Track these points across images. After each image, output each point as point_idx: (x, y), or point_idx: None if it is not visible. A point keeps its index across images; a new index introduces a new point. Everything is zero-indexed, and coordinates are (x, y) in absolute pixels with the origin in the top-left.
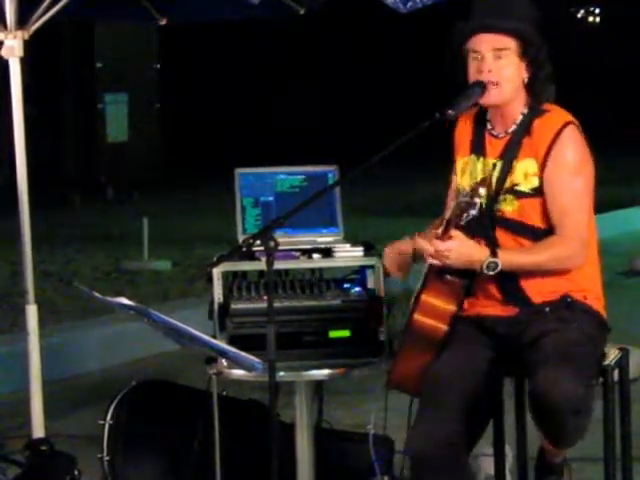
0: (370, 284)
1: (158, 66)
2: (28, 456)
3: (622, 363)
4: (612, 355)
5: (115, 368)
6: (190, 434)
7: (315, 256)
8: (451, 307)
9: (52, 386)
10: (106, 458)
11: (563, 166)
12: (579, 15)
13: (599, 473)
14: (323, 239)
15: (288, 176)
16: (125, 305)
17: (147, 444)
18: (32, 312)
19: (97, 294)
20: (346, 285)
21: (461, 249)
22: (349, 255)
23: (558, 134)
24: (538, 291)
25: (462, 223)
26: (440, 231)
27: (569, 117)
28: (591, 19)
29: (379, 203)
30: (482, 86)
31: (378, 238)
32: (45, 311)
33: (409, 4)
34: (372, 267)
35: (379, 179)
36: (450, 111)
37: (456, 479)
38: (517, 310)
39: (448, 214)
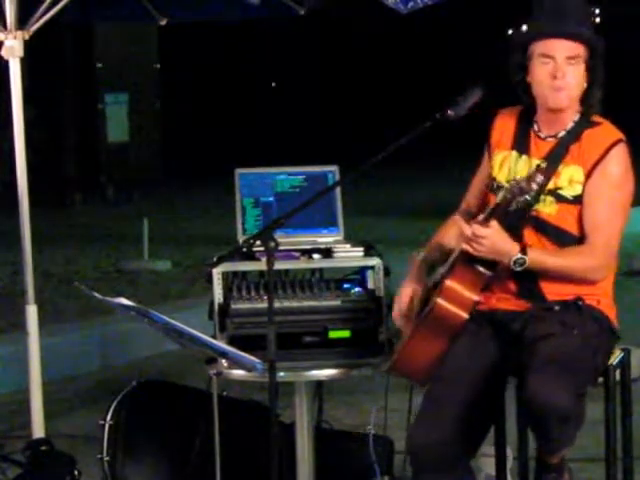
0: (370, 284)
1: (158, 66)
2: (28, 456)
3: (623, 363)
4: (613, 355)
5: (115, 368)
6: (190, 435)
7: (315, 256)
8: (474, 296)
9: (52, 386)
10: (106, 458)
11: (606, 178)
12: None
13: (600, 473)
14: (323, 239)
15: (288, 176)
16: (125, 305)
17: (147, 444)
18: (32, 312)
19: (97, 294)
20: (346, 285)
21: (495, 238)
22: (349, 255)
23: (609, 149)
24: (553, 290)
25: (512, 208)
26: (484, 216)
27: (620, 134)
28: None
29: (380, 203)
30: (482, 87)
31: (378, 238)
32: (45, 311)
33: (410, 4)
34: (372, 267)
35: (380, 179)
36: (450, 111)
37: (455, 478)
38: (529, 306)
39: (499, 197)
